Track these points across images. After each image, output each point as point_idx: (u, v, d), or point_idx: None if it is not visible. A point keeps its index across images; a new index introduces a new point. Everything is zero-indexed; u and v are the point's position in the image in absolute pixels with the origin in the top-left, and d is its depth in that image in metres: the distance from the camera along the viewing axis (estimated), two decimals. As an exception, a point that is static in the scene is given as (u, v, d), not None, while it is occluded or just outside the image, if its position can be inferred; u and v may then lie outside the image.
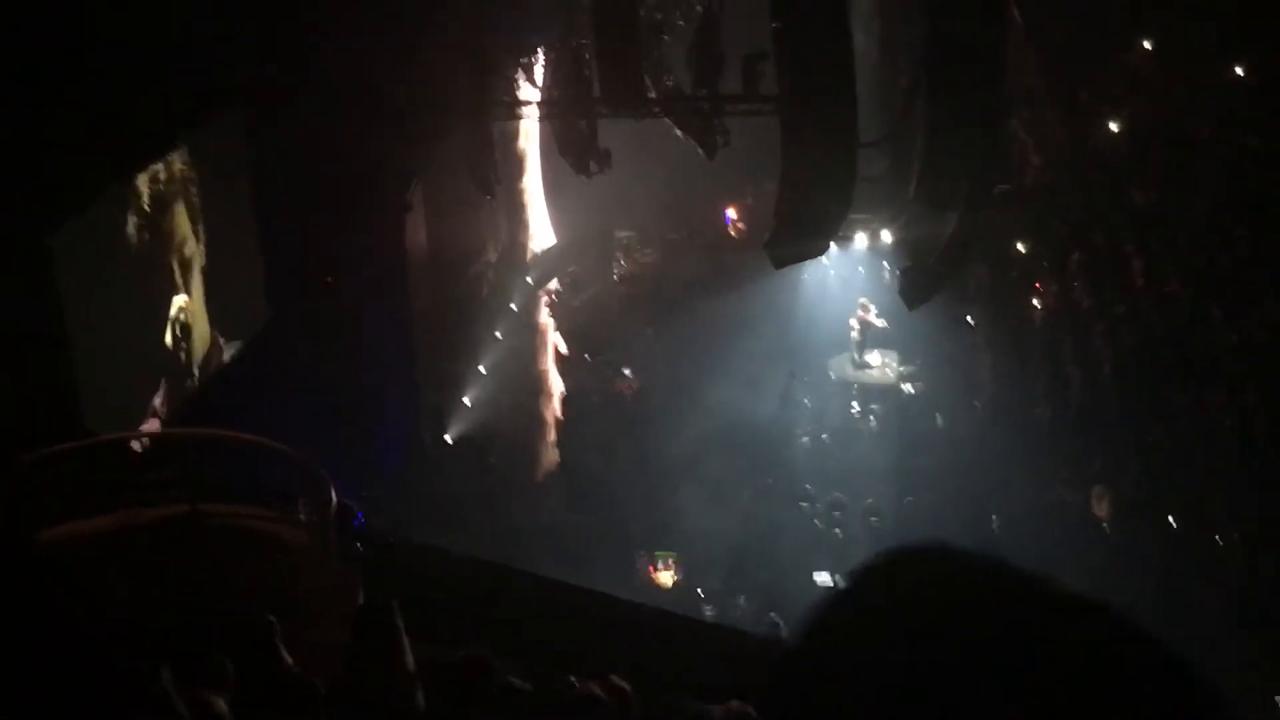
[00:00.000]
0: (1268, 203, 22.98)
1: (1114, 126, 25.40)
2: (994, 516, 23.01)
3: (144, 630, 4.47)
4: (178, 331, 16.04)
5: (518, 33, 24.00)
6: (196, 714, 4.91)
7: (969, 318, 26.55)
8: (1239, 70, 23.65)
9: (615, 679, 6.16)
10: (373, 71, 19.88)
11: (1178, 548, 20.61)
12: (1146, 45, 25.22)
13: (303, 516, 8.40)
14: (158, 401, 15.32)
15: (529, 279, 31.56)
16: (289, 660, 6.05)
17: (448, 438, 26.44)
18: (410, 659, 6.57)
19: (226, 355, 17.12)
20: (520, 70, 24.45)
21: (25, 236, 12.21)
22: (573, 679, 7.02)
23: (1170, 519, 21.03)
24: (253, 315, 17.91)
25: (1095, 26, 25.79)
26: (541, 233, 32.10)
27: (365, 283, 21.26)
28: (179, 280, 16.02)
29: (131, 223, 14.81)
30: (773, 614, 20.80)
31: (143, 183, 15.04)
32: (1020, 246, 26.23)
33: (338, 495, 8.24)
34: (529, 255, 31.71)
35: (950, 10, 17.89)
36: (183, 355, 16.18)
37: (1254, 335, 21.98)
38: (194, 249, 16.21)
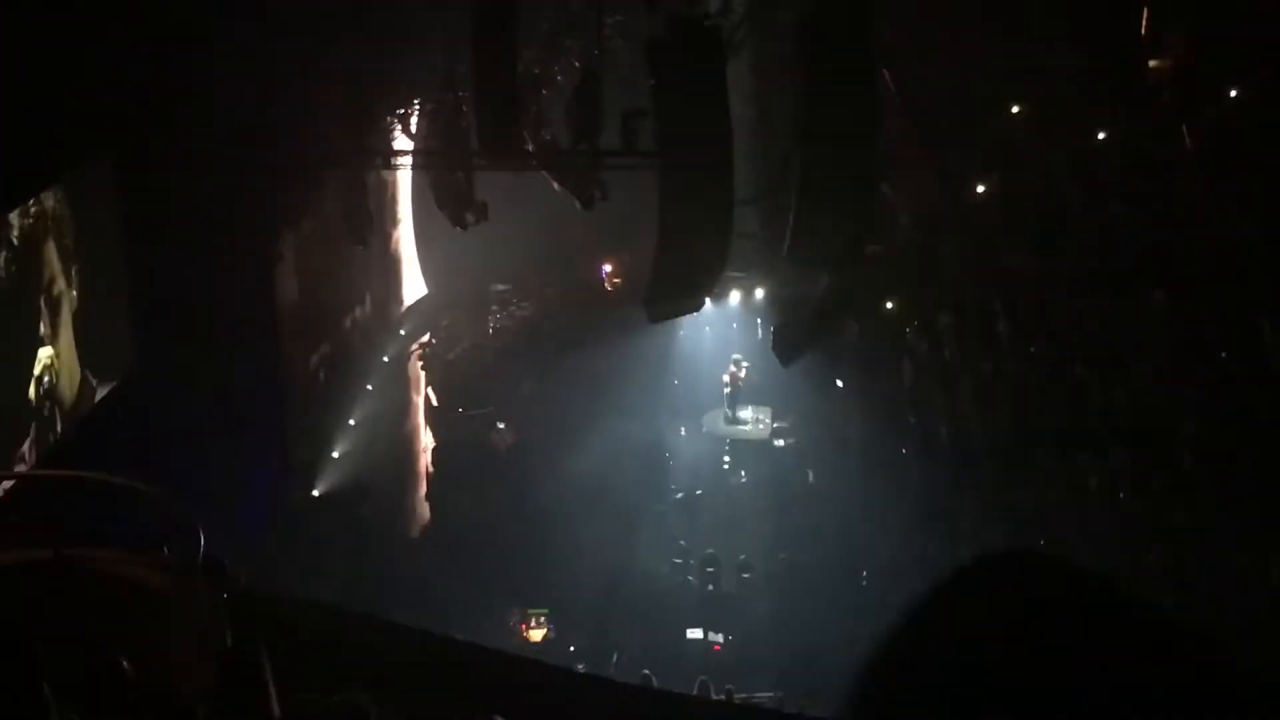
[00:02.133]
0: (1133, 269, 23.69)
1: (982, 190, 26.03)
2: (864, 572, 23.21)
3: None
4: (49, 376, 15.56)
5: (395, 83, 23.88)
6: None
7: (839, 378, 26.86)
8: (1106, 138, 24.42)
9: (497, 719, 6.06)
10: (247, 118, 19.61)
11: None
12: (1015, 110, 25.92)
13: (169, 562, 8.18)
14: (25, 447, 14.83)
15: (402, 331, 31.29)
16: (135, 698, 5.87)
17: (315, 491, 25.96)
18: (276, 706, 6.41)
19: (98, 398, 16.67)
20: (396, 120, 24.31)
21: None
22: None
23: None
24: (125, 359, 17.47)
25: (965, 92, 26.45)
26: (414, 285, 31.88)
27: (235, 331, 20.86)
28: (47, 322, 15.57)
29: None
30: (645, 670, 20.68)
31: (14, 220, 14.61)
32: (890, 306, 26.67)
33: (205, 541, 8.05)
34: (402, 307, 31.46)
35: (824, 74, 18.18)
36: (50, 401, 15.69)
37: (1119, 397, 22.55)
38: (63, 289, 15.77)
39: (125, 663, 5.93)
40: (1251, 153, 23.16)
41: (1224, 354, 22.19)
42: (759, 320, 27.58)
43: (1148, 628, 1.16)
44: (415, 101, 24.44)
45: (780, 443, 27.54)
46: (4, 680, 4.92)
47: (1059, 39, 25.71)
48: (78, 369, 16.10)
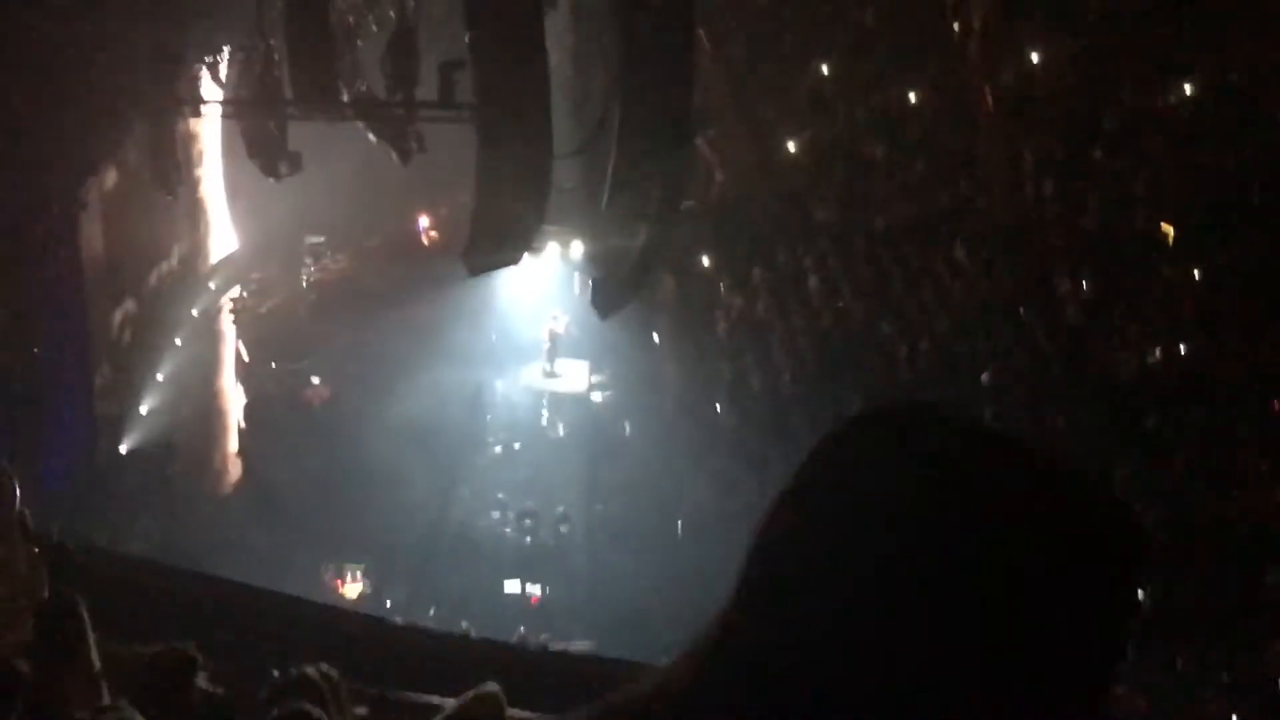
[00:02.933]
0: (933, 223, 24.45)
1: (793, 146, 26.54)
2: (679, 521, 23.62)
3: None
4: None
5: (204, 29, 23.28)
6: None
7: (655, 331, 27.19)
8: (912, 96, 25.07)
9: (323, 666, 6.10)
10: (48, 58, 18.96)
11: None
12: (824, 70, 26.45)
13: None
14: None
15: (211, 285, 30.61)
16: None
17: (123, 448, 25.33)
18: (95, 655, 6.36)
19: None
20: (206, 68, 23.72)
21: None
22: (274, 671, 6.90)
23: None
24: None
25: (776, 50, 26.90)
26: (225, 237, 31.18)
27: (38, 282, 20.22)
28: None
29: None
30: (464, 622, 20.76)
31: None
32: (705, 260, 27.06)
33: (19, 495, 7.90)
34: (211, 260, 30.76)
35: (640, 28, 18.31)
36: None
37: (922, 349, 23.30)
38: None
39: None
40: (1048, 113, 24.10)
41: (1021, 308, 23.08)
42: (577, 274, 27.71)
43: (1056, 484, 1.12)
44: (226, 48, 23.85)
45: (598, 396, 27.79)
46: None
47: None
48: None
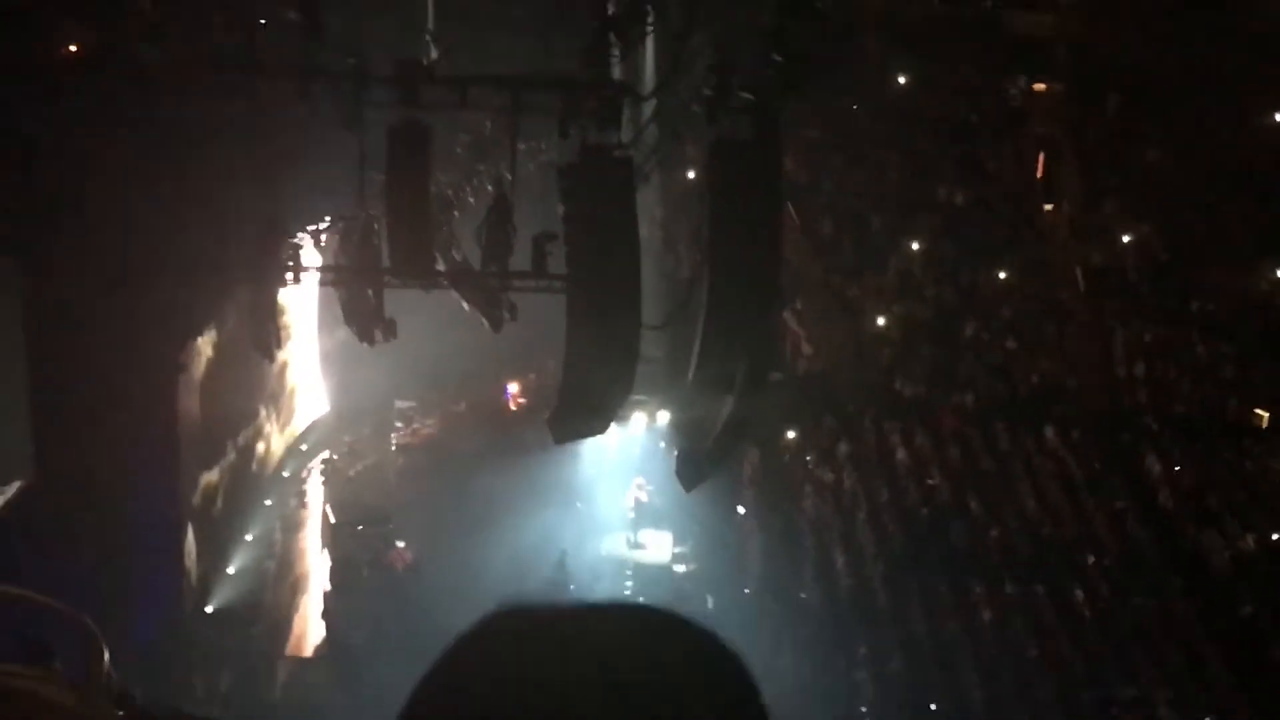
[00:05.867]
0: (1021, 402, 24.28)
1: (881, 322, 26.61)
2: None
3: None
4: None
5: (309, 198, 23.99)
6: None
7: (740, 504, 27.05)
8: (1002, 275, 25.11)
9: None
10: (154, 229, 19.60)
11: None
12: (914, 247, 26.63)
13: (68, 679, 8.01)
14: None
15: (303, 447, 31.04)
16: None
17: (209, 607, 25.50)
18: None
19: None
20: (307, 235, 24.38)
21: None
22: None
23: (931, 706, 21.52)
24: (18, 469, 17.21)
25: (866, 225, 27.17)
26: (318, 400, 31.72)
27: (135, 441, 20.62)
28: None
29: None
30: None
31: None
32: (791, 434, 27.01)
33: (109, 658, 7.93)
34: (305, 422, 31.25)
35: (729, 203, 18.58)
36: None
37: (1012, 530, 22.96)
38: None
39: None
40: (1139, 296, 24.02)
41: (1113, 488, 22.73)
42: (662, 444, 27.75)
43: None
44: (327, 217, 24.54)
45: (681, 568, 27.56)
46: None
47: (957, 179, 26.63)
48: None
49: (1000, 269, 25.50)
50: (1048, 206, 25.34)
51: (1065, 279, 24.94)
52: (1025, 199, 25.76)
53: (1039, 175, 25.88)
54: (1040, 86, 27.43)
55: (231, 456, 26.96)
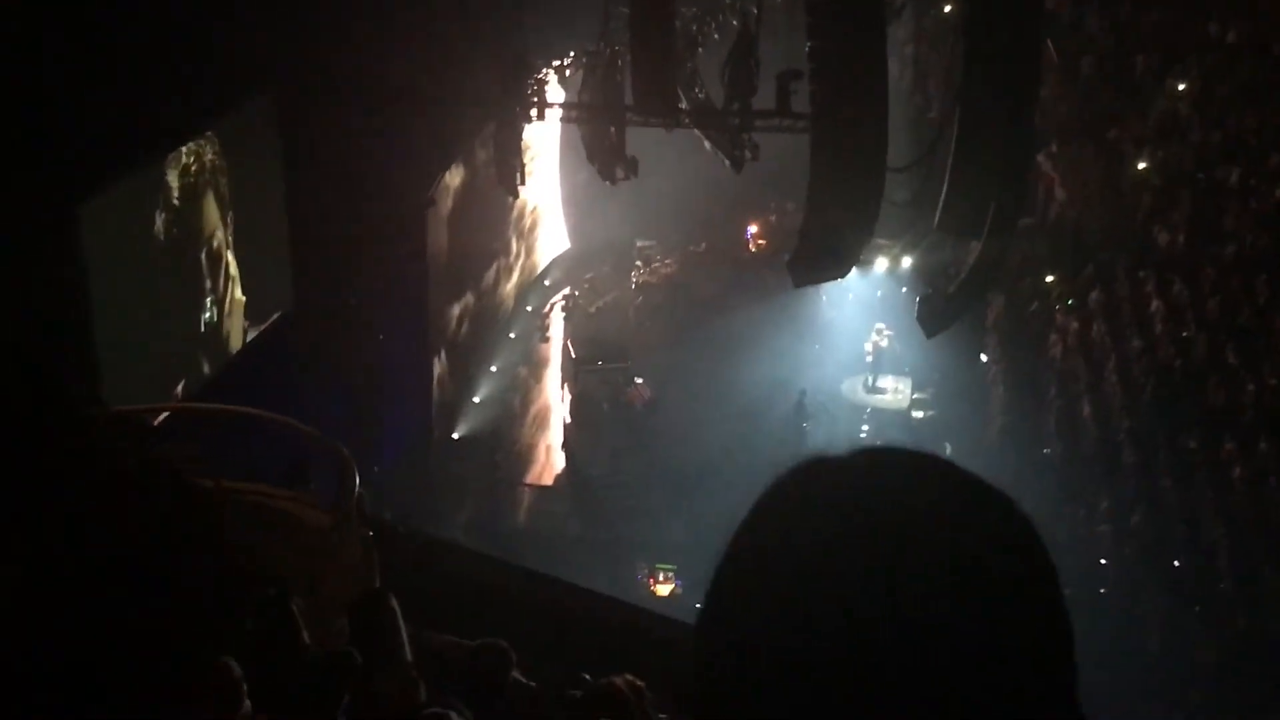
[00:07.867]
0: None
1: (1142, 166, 25.39)
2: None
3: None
4: (212, 317, 16.09)
5: (553, 35, 24.02)
6: (212, 678, 4.89)
7: (982, 351, 26.49)
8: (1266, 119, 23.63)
9: (630, 677, 6.12)
10: (404, 65, 19.90)
11: (1180, 593, 20.55)
12: (1180, 88, 25.20)
13: (322, 500, 8.41)
14: (180, 386, 15.33)
15: (546, 282, 31.58)
16: (304, 630, 5.99)
17: (455, 434, 26.45)
18: (407, 649, 6.46)
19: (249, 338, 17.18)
20: (553, 72, 24.44)
21: (55, 200, 12.19)
22: (586, 677, 6.98)
23: (1175, 563, 20.98)
24: (278, 301, 17.94)
25: (1128, 66, 25.79)
26: (560, 237, 32.13)
27: (386, 275, 21.28)
28: (207, 269, 16.04)
29: (160, 215, 14.82)
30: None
31: (173, 174, 15.03)
32: (1040, 281, 26.18)
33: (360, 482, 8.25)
34: (547, 258, 31.74)
35: (985, 41, 17.84)
36: (210, 342, 16.21)
37: (1270, 385, 21.95)
38: (222, 238, 16.24)
39: (292, 594, 6.08)
40: None
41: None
42: (904, 289, 27.27)
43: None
44: (571, 54, 24.53)
45: (919, 414, 27.26)
46: (169, 603, 5.10)
47: (1229, 15, 24.98)
48: (241, 316, 16.59)
49: (1271, 112, 23.92)
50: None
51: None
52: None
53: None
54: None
55: (478, 290, 27.63)
